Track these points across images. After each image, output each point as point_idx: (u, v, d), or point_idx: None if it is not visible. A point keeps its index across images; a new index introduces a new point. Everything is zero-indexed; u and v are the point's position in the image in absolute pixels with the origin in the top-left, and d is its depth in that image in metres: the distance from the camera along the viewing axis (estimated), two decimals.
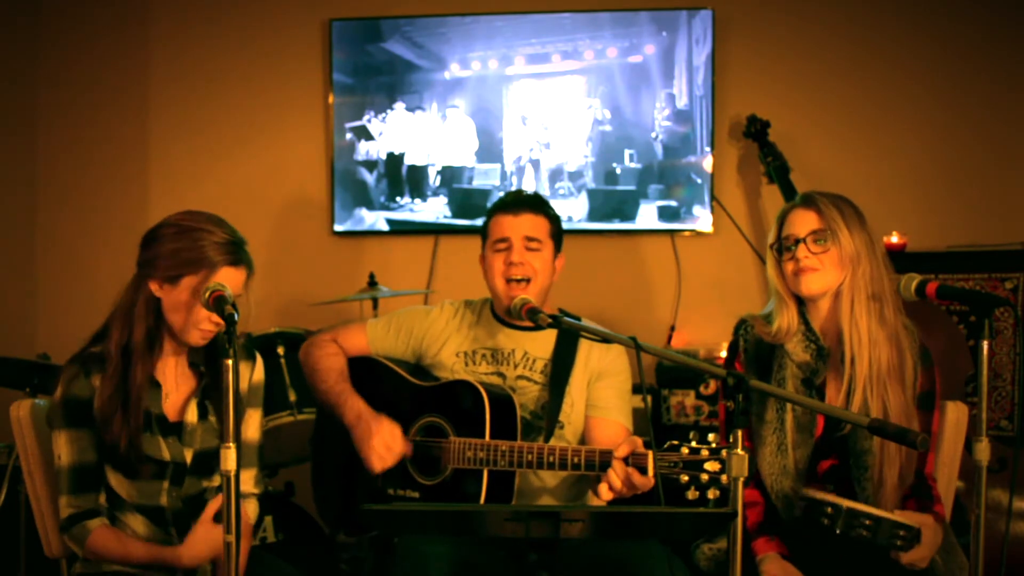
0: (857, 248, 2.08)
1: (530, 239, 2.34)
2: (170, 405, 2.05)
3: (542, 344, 2.40)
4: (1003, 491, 2.91)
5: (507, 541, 2.15)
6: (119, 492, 2.02)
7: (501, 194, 3.94)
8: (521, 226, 2.35)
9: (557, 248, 2.42)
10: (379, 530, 2.40)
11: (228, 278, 1.95)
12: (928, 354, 2.14)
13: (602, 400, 2.38)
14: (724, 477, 1.79)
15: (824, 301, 2.13)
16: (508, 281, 2.32)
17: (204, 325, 1.96)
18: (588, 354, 2.39)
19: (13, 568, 2.97)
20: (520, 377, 2.38)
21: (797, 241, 2.11)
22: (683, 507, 1.66)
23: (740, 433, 1.66)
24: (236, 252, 1.98)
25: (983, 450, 1.79)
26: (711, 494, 1.82)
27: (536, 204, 2.40)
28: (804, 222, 2.12)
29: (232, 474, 1.65)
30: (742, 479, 1.66)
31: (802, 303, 2.16)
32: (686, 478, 1.86)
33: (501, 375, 2.38)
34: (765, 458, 2.11)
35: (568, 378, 2.36)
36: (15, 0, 4.08)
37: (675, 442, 1.89)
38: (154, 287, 1.97)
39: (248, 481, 2.17)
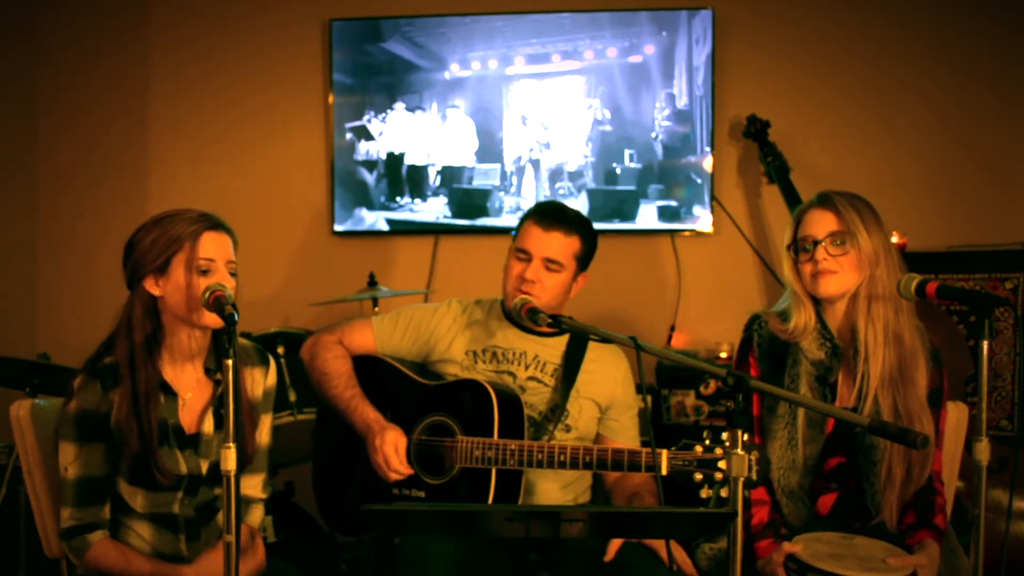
0: (875, 249, 2.08)
1: (551, 261, 2.32)
2: (187, 413, 2.03)
3: (553, 350, 2.40)
4: (1003, 491, 2.91)
5: (508, 541, 2.15)
6: (130, 503, 2.00)
7: (501, 194, 3.99)
8: (546, 246, 2.32)
9: (581, 268, 2.38)
10: (380, 530, 2.39)
11: (213, 243, 1.95)
12: (938, 354, 2.16)
13: (621, 426, 2.43)
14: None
15: (841, 302, 2.13)
16: (517, 290, 2.31)
17: (204, 295, 1.89)
18: (596, 371, 2.40)
19: (13, 568, 2.97)
20: (531, 378, 2.37)
21: (815, 242, 2.10)
22: (683, 507, 1.66)
23: (740, 433, 1.66)
24: (211, 219, 1.98)
25: (983, 450, 1.78)
26: (724, 492, 1.82)
27: (572, 224, 2.34)
28: (822, 223, 2.11)
29: (232, 475, 1.64)
30: (742, 479, 1.66)
31: (819, 302, 2.16)
32: (700, 476, 1.87)
33: (511, 374, 2.37)
34: (775, 452, 2.12)
35: (574, 383, 2.36)
36: (15, 1, 4.08)
37: (688, 440, 1.90)
38: (149, 286, 1.95)
39: (256, 486, 2.17)
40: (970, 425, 2.35)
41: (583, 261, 2.38)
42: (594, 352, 2.39)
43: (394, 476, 2.25)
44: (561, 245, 2.33)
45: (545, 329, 2.31)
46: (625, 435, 2.43)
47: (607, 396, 2.41)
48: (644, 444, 2.41)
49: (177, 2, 4.21)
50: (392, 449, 2.23)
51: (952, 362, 2.91)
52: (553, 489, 2.36)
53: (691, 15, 3.89)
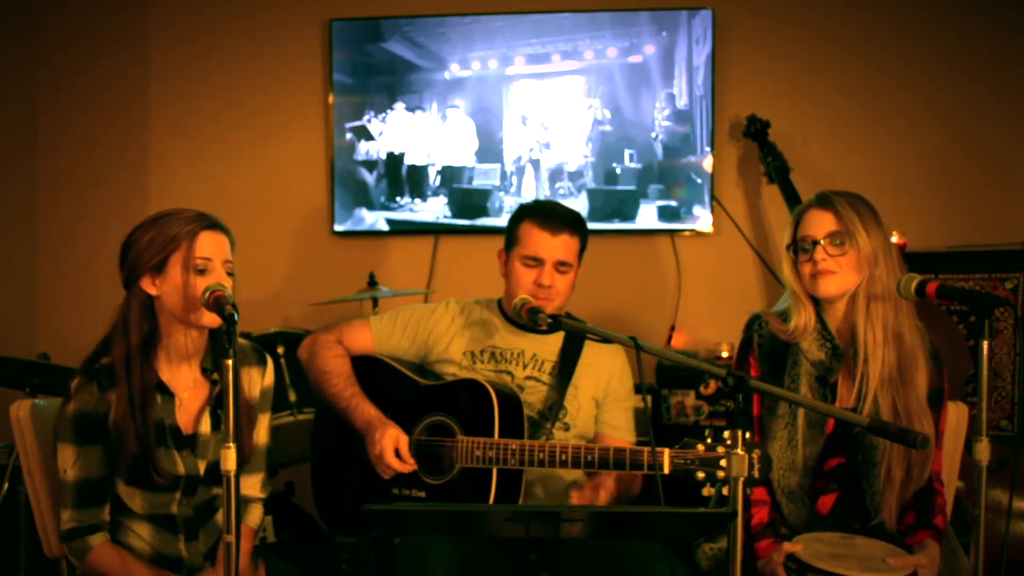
0: (874, 249, 2.08)
1: (562, 263, 2.34)
2: (184, 414, 2.03)
3: (550, 347, 2.40)
4: (1003, 491, 2.91)
5: (508, 541, 2.15)
6: (129, 504, 2.00)
7: (501, 194, 3.99)
8: (556, 249, 2.33)
9: (579, 263, 2.42)
10: (380, 531, 2.39)
11: (210, 242, 1.95)
12: (938, 354, 2.16)
13: (615, 420, 2.43)
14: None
15: (841, 302, 2.13)
16: (533, 297, 2.30)
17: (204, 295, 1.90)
18: (593, 364, 2.40)
19: (13, 568, 2.97)
20: (529, 377, 2.38)
21: (814, 243, 2.10)
22: (684, 507, 1.66)
23: (740, 433, 1.66)
24: (208, 218, 1.98)
25: (983, 450, 1.78)
26: (727, 491, 1.82)
27: (574, 224, 2.37)
28: (821, 223, 2.11)
29: (232, 474, 1.64)
30: (742, 479, 1.66)
31: (818, 303, 2.16)
32: (702, 475, 1.88)
33: (510, 374, 2.38)
34: (775, 453, 2.12)
35: (571, 380, 2.36)
36: (15, 1, 4.08)
37: (690, 439, 1.90)
38: (146, 285, 1.95)
39: (255, 486, 2.17)
40: (970, 425, 2.35)
41: (581, 256, 2.42)
42: (592, 347, 2.39)
43: (394, 472, 2.25)
44: (568, 246, 2.35)
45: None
46: (619, 430, 2.42)
47: (603, 389, 2.41)
48: (643, 444, 2.41)
49: (177, 2, 4.21)
50: (392, 445, 2.23)
51: (952, 362, 2.91)
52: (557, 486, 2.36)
53: (691, 15, 3.89)
